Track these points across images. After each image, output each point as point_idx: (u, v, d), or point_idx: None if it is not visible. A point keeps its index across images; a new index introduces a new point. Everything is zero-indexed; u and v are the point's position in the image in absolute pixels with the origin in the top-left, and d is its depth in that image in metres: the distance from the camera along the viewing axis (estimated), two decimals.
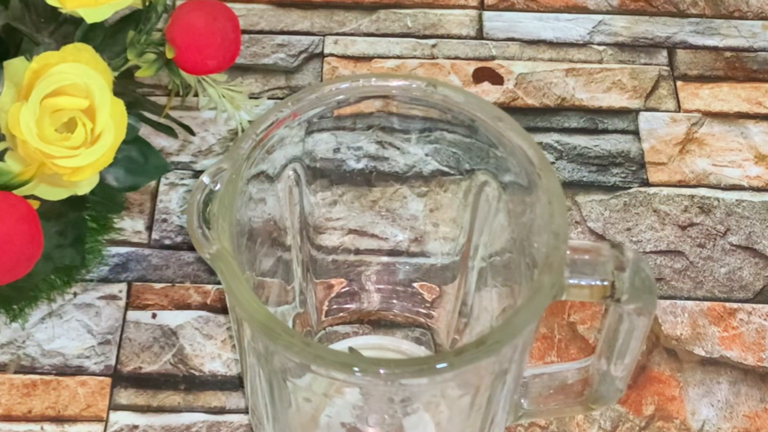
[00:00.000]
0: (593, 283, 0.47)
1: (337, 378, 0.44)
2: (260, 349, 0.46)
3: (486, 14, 0.78)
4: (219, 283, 0.62)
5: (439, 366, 0.42)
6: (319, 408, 0.51)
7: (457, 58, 0.75)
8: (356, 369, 0.42)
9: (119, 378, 0.59)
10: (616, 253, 0.47)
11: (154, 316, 0.61)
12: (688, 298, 0.63)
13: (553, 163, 0.69)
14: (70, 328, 0.61)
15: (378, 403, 0.49)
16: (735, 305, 0.63)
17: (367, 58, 0.75)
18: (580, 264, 0.47)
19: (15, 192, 0.53)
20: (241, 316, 0.44)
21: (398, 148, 0.56)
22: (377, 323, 0.61)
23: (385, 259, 0.60)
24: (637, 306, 0.48)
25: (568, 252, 0.46)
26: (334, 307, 0.61)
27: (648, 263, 0.48)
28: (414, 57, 0.75)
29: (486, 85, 0.73)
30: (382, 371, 0.42)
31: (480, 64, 0.75)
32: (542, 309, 0.45)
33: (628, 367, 0.52)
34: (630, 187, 0.68)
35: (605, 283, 0.47)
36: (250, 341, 0.47)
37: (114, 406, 0.57)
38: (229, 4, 0.56)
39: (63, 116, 0.51)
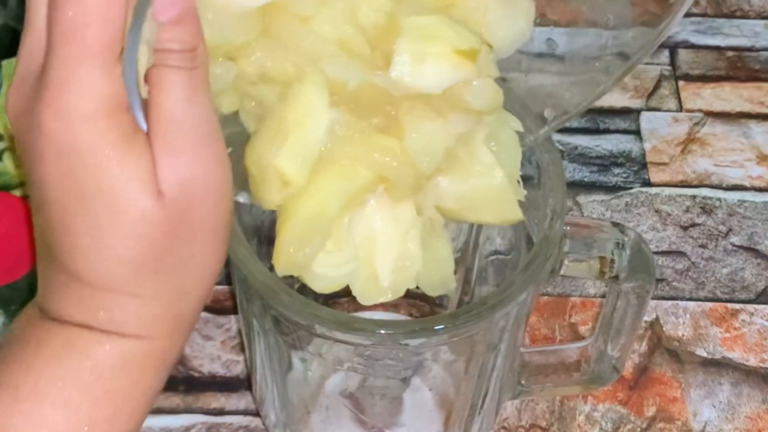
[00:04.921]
0: (592, 258, 0.48)
1: (338, 339, 0.44)
2: (260, 310, 0.47)
3: None
4: (218, 283, 0.62)
5: (436, 327, 0.43)
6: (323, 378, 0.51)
7: None
8: (356, 328, 0.43)
9: None
10: (617, 231, 0.48)
11: None
12: (690, 299, 0.63)
13: None
14: None
15: (380, 369, 0.50)
16: (737, 306, 0.62)
17: None
18: (579, 239, 0.47)
19: (14, 192, 0.52)
20: (243, 276, 0.45)
21: None
22: None
23: None
24: (635, 285, 0.49)
25: (567, 228, 0.46)
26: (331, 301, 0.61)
27: (648, 245, 0.48)
28: None
29: None
30: (382, 331, 0.43)
31: None
32: (536, 279, 0.45)
33: (624, 347, 0.52)
34: (631, 188, 0.68)
35: (604, 259, 0.48)
36: (261, 312, 0.47)
37: None
38: None
39: None
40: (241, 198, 0.41)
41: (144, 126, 0.34)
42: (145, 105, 0.34)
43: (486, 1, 0.41)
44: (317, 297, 0.59)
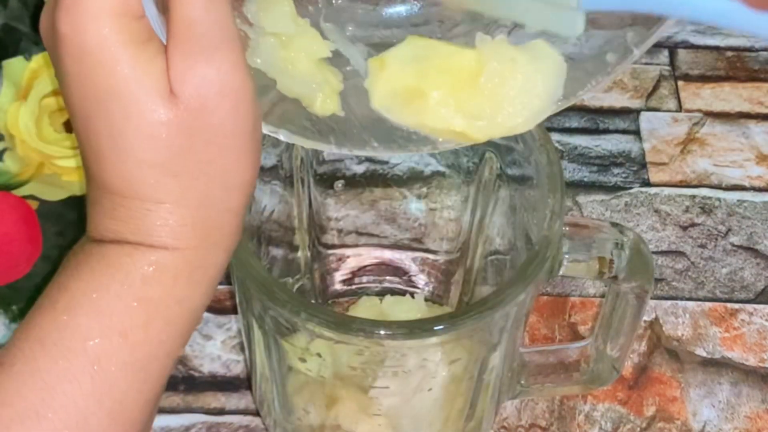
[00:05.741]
0: (591, 258, 0.48)
1: (337, 339, 0.44)
2: (259, 310, 0.47)
3: None
4: (218, 283, 0.62)
5: (436, 327, 0.44)
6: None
7: None
8: (356, 328, 0.43)
9: None
10: (617, 231, 0.48)
11: None
12: (690, 299, 0.63)
13: None
14: None
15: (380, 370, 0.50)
16: (736, 306, 0.62)
17: None
18: (579, 239, 0.47)
19: (14, 192, 0.53)
20: (242, 277, 0.45)
21: None
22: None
23: (387, 255, 0.60)
24: (634, 285, 0.49)
25: (567, 228, 0.46)
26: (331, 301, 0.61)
27: (647, 245, 0.48)
28: None
29: None
30: (381, 332, 0.43)
31: None
32: (536, 279, 0.45)
33: (623, 347, 0.52)
34: (631, 188, 0.68)
35: (603, 259, 0.48)
36: (260, 312, 0.47)
37: None
38: None
39: (62, 116, 0.51)
40: (282, 136, 0.40)
41: (163, 36, 0.35)
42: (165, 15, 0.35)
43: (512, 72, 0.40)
44: (316, 297, 0.60)
